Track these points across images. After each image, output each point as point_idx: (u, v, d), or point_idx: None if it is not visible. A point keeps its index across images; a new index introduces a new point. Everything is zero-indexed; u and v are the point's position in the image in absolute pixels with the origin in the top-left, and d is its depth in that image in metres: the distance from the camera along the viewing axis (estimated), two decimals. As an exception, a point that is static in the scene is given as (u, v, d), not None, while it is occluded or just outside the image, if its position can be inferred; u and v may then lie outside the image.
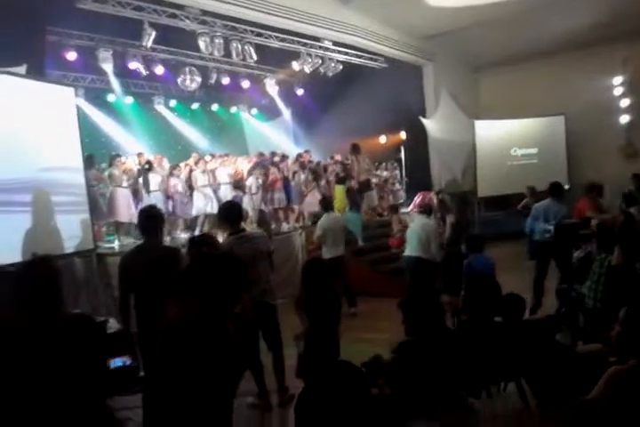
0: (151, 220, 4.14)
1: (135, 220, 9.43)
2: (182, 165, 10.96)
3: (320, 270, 4.58)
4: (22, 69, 7.31)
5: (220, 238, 5.29)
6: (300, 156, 12.81)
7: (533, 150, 14.19)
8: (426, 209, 7.37)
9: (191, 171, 10.79)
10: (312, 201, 10.75)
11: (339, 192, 10.92)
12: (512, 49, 13.10)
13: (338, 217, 8.30)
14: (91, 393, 1.82)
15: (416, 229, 6.99)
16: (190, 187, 10.55)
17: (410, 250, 6.99)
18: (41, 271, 2.74)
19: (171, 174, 10.32)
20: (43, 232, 6.40)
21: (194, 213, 10.45)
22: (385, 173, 13.26)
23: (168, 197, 10.21)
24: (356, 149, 11.97)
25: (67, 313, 2.46)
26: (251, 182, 10.87)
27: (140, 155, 11.21)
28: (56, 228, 6.67)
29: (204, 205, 10.43)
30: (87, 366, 1.80)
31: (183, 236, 9.76)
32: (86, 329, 1.93)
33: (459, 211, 8.16)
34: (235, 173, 11.58)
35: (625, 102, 13.32)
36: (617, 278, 4.66)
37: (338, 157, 12.84)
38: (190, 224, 10.55)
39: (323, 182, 11.50)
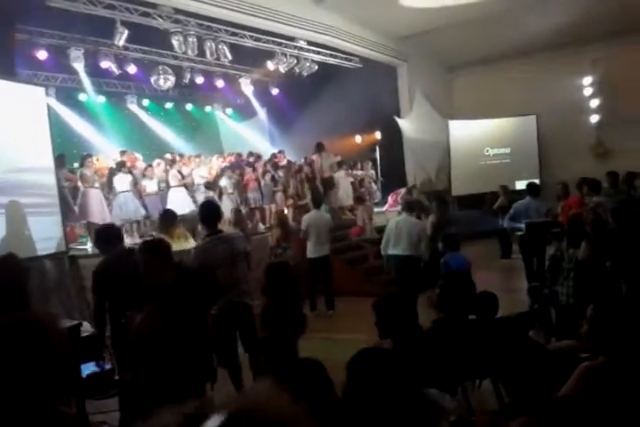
0: (112, 229, 4.15)
1: (108, 221, 9.38)
2: (154, 164, 10.80)
3: (284, 275, 4.18)
4: (-10, 68, 7.17)
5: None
6: (274, 156, 12.78)
7: (506, 150, 14.39)
8: (410, 207, 7.32)
9: (166, 171, 10.64)
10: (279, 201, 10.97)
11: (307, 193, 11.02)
12: (485, 50, 13.25)
13: (323, 215, 8.17)
14: (38, 398, 1.77)
15: (404, 228, 6.86)
16: (166, 187, 10.42)
17: (398, 249, 6.87)
18: (2, 271, 2.72)
19: (143, 175, 10.19)
20: (13, 234, 6.27)
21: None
22: (360, 173, 13.30)
23: (140, 197, 10.05)
24: (319, 147, 12.01)
25: (23, 313, 2.39)
26: (224, 183, 10.83)
27: (122, 153, 11.07)
28: (27, 230, 6.55)
29: (180, 205, 10.32)
30: (31, 370, 1.75)
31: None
32: (31, 331, 1.88)
33: (438, 210, 8.18)
34: (209, 173, 11.53)
35: (595, 102, 13.59)
36: (585, 273, 4.77)
37: (313, 157, 12.85)
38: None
39: (293, 182, 11.46)
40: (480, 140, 14.18)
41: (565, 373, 2.35)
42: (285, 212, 10.87)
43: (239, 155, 12.80)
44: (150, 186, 10.06)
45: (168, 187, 10.40)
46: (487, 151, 14.35)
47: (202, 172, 11.19)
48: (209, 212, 4.89)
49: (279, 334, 3.84)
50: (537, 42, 12.62)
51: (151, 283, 3.12)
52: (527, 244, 7.66)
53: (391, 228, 7.04)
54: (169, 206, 10.15)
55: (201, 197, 10.50)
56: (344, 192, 11.89)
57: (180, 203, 10.34)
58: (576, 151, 13.13)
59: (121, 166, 9.85)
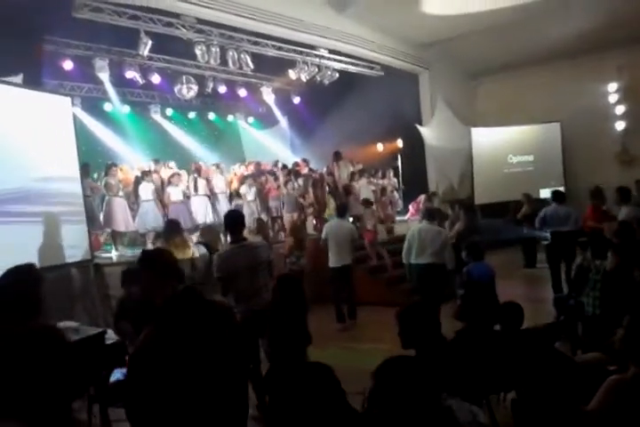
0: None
1: (131, 229, 9.48)
2: (181, 171, 10.92)
3: (291, 289, 4.06)
4: (19, 79, 7.35)
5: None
6: (296, 164, 12.81)
7: (529, 157, 14.23)
8: (431, 214, 7.21)
9: (195, 180, 10.72)
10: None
11: (330, 202, 11.00)
12: (508, 56, 13.16)
13: (344, 224, 7.96)
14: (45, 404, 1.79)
15: (427, 236, 6.78)
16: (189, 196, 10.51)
17: (421, 257, 6.79)
18: (18, 280, 2.77)
19: (169, 182, 10.29)
20: (40, 243, 6.37)
21: (197, 221, 10.35)
22: (382, 182, 13.26)
23: (164, 206, 10.12)
24: (337, 156, 12.08)
25: (35, 324, 2.42)
26: (245, 191, 10.89)
27: (156, 161, 11.26)
28: (53, 238, 6.64)
29: (203, 214, 10.40)
30: (38, 378, 1.77)
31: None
32: (43, 341, 1.89)
33: (466, 218, 8.08)
34: (228, 182, 11.63)
35: (620, 109, 13.39)
36: (613, 284, 4.67)
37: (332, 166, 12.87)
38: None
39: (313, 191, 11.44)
40: (503, 147, 14.05)
41: (593, 386, 2.30)
42: (307, 221, 10.90)
43: (258, 163, 12.85)
44: (175, 194, 10.14)
45: (188, 196, 10.48)
46: (510, 159, 14.21)
47: (221, 181, 11.26)
48: (234, 220, 4.92)
49: (286, 347, 3.78)
50: (560, 48, 12.49)
51: (151, 300, 2.82)
52: (554, 253, 7.57)
53: (413, 236, 6.94)
54: (194, 215, 10.30)
55: (222, 206, 10.58)
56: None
57: (204, 211, 10.42)
58: (601, 159, 12.95)
59: (145, 175, 9.96)
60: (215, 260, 4.85)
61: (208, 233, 7.57)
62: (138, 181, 10.01)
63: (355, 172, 12.51)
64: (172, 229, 6.26)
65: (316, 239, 9.49)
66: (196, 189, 10.51)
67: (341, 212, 8.12)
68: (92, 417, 3.87)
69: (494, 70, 14.27)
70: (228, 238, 5.10)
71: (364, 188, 11.98)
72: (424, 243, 6.80)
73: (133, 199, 9.84)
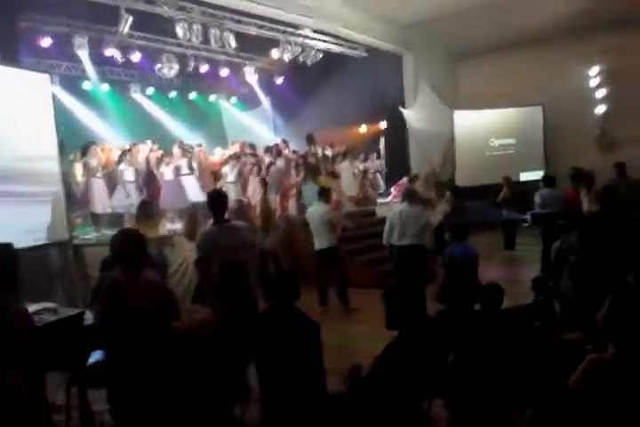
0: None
1: (109, 210, 9.38)
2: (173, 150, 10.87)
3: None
4: (-6, 55, 7.14)
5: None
6: (276, 146, 12.73)
7: (511, 140, 14.29)
8: (411, 195, 7.24)
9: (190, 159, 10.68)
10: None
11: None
12: (491, 38, 13.12)
13: (318, 208, 7.88)
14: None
15: (410, 218, 6.83)
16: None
17: (403, 239, 6.84)
18: None
19: (160, 162, 10.27)
20: (18, 223, 6.26)
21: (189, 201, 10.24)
22: (364, 165, 13.24)
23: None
24: (310, 139, 12.08)
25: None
26: (226, 171, 10.82)
27: (133, 145, 11.10)
28: (32, 218, 6.54)
29: (195, 193, 10.34)
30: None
31: (173, 227, 9.26)
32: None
33: (452, 200, 8.11)
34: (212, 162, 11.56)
35: (601, 92, 13.45)
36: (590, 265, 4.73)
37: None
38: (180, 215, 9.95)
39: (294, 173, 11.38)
40: (485, 130, 14.08)
41: (572, 364, 2.34)
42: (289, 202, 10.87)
43: (243, 144, 12.74)
44: (167, 173, 10.11)
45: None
46: (492, 142, 14.25)
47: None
48: (216, 200, 4.89)
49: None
50: (543, 30, 12.48)
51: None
52: (546, 235, 7.73)
53: (395, 217, 6.98)
54: (187, 193, 10.24)
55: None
56: (348, 184, 11.87)
57: (195, 191, 10.37)
58: (583, 142, 13.03)
59: (124, 155, 9.85)
60: (197, 239, 4.81)
61: (188, 216, 7.58)
62: (119, 160, 9.90)
63: (337, 154, 12.47)
64: (146, 211, 6.28)
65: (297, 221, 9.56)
66: (190, 168, 10.46)
67: (323, 195, 7.98)
68: (70, 399, 3.84)
69: (477, 52, 14.23)
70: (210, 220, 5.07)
71: (345, 170, 11.99)
72: (406, 224, 6.83)
73: (115, 179, 9.72)
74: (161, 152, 10.90)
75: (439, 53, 14.60)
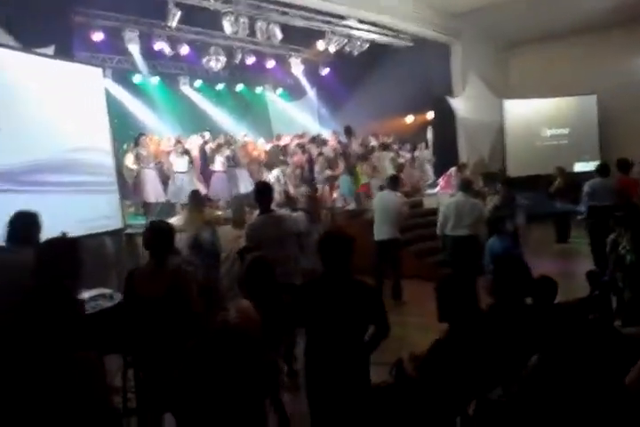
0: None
1: (161, 200, 9.59)
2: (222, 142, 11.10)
3: (260, 272, 3.63)
4: (50, 50, 7.37)
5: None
6: (320, 136, 12.70)
7: (564, 130, 13.90)
8: (467, 185, 7.14)
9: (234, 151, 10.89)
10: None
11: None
12: (543, 26, 12.74)
13: (387, 196, 7.58)
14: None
15: (465, 208, 6.76)
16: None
17: (457, 229, 6.78)
18: (53, 250, 3.05)
19: (214, 152, 10.53)
20: (75, 212, 6.47)
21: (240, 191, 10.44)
22: (411, 155, 13.09)
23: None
24: (348, 131, 12.04)
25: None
26: (272, 162, 10.95)
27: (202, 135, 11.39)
28: (88, 208, 6.75)
29: (246, 184, 10.50)
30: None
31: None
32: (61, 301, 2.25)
33: (503, 191, 7.91)
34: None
35: (659, 82, 12.90)
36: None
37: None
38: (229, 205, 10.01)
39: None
40: (537, 120, 13.73)
41: (632, 359, 2.27)
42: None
43: (301, 135, 12.83)
44: (218, 164, 10.30)
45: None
46: (544, 132, 13.89)
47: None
48: (262, 191, 5.07)
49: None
50: (597, 18, 12.05)
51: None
52: (595, 228, 7.45)
53: (449, 208, 6.92)
54: (240, 184, 10.48)
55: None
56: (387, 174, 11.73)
57: (246, 182, 10.53)
58: (639, 132, 12.55)
59: (176, 147, 10.06)
60: (246, 229, 4.99)
61: (234, 204, 7.66)
62: (171, 151, 10.11)
63: (380, 145, 12.36)
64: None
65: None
66: (235, 159, 10.65)
67: (393, 184, 7.70)
68: (127, 381, 3.97)
69: (528, 41, 13.85)
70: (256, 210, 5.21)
71: (385, 161, 11.80)
72: (460, 215, 6.75)
73: (167, 170, 9.94)
74: (217, 142, 11.07)
75: (488, 42, 14.26)
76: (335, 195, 10.96)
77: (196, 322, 3.07)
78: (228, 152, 10.63)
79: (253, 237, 4.79)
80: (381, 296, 3.04)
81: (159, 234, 3.46)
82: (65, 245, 3.18)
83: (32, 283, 2.87)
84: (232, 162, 10.66)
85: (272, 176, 10.56)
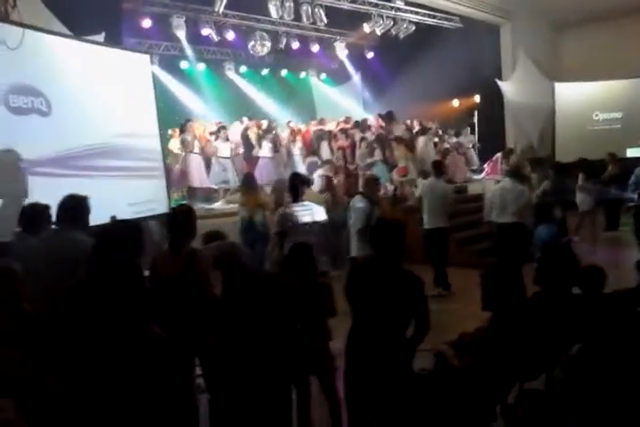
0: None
1: (206, 185, 9.74)
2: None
3: (302, 257, 3.63)
4: (101, 37, 7.52)
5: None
6: (364, 121, 12.58)
7: (617, 115, 13.38)
8: (515, 173, 6.98)
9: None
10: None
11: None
12: (596, 5, 12.24)
13: (436, 184, 7.25)
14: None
15: (510, 195, 6.60)
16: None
17: (502, 216, 6.63)
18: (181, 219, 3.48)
19: (261, 138, 10.66)
20: (123, 196, 6.64)
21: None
22: (455, 140, 12.85)
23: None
24: (389, 116, 12.00)
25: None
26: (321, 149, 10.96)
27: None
28: (134, 191, 6.92)
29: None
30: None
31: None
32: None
33: (555, 177, 7.66)
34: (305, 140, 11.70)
35: None
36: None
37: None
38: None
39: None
40: (589, 103, 13.26)
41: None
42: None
43: (344, 121, 12.79)
44: (264, 150, 10.48)
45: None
46: (596, 116, 13.41)
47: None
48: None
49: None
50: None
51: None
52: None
53: (495, 194, 6.77)
54: (285, 170, 10.49)
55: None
56: (425, 159, 11.51)
57: (292, 167, 10.63)
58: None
59: (219, 133, 10.16)
60: (276, 216, 5.38)
61: (277, 188, 7.74)
62: (216, 137, 10.24)
63: (420, 129, 12.13)
64: (247, 182, 6.57)
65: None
66: (280, 145, 10.76)
67: (438, 171, 7.40)
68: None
69: (581, 21, 13.33)
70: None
71: (424, 145, 11.56)
72: (505, 201, 6.61)
73: (210, 155, 10.09)
74: (262, 128, 11.14)
75: (539, 23, 13.80)
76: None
77: (209, 305, 3.13)
78: (273, 137, 10.68)
79: (281, 224, 5.18)
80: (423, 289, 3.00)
81: (176, 218, 3.53)
82: (135, 227, 3.40)
83: (92, 260, 3.03)
84: (277, 147, 10.71)
85: (314, 161, 10.60)
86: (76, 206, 3.64)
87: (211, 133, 10.50)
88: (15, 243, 3.77)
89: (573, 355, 2.73)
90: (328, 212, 5.98)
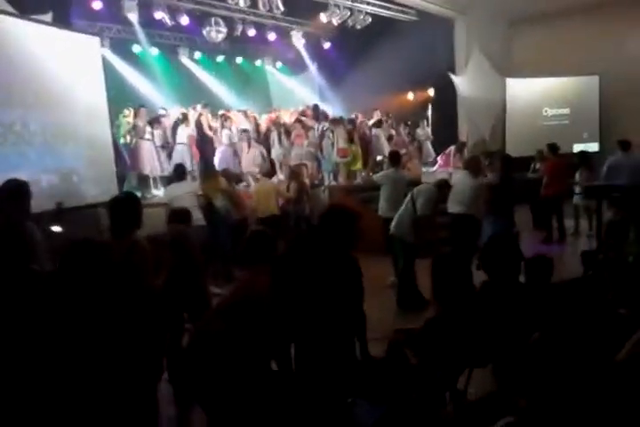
0: None
1: (157, 172, 9.55)
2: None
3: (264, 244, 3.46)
4: (48, 17, 7.23)
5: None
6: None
7: (565, 111, 13.81)
8: (471, 165, 7.07)
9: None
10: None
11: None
12: (548, 3, 12.53)
13: (396, 174, 7.43)
14: None
15: (464, 187, 6.70)
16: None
17: (454, 207, 6.74)
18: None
19: (222, 126, 10.52)
20: (71, 183, 6.45)
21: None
22: (407, 131, 12.98)
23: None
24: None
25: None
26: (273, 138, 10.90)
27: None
28: (84, 178, 6.72)
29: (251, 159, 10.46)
30: None
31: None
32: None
33: (503, 170, 7.79)
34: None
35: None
36: None
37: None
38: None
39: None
40: (539, 99, 13.61)
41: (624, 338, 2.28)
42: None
43: (307, 109, 12.75)
44: (225, 137, 10.36)
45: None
46: (545, 112, 13.79)
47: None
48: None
49: None
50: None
51: None
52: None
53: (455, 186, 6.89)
54: (243, 160, 10.33)
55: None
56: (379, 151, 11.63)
57: (251, 158, 10.45)
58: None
59: (185, 118, 10.15)
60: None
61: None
62: (177, 124, 10.12)
63: (377, 121, 12.19)
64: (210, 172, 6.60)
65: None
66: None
67: (395, 161, 7.57)
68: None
69: (533, 18, 13.61)
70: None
71: (379, 137, 11.65)
72: (459, 192, 6.72)
73: (169, 141, 9.96)
74: (220, 116, 11.00)
75: (493, 18, 13.99)
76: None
77: (147, 294, 3.09)
78: (228, 125, 10.56)
79: None
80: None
81: (116, 206, 3.48)
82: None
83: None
84: (232, 135, 10.58)
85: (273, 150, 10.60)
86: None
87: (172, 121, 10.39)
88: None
89: (531, 343, 2.80)
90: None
